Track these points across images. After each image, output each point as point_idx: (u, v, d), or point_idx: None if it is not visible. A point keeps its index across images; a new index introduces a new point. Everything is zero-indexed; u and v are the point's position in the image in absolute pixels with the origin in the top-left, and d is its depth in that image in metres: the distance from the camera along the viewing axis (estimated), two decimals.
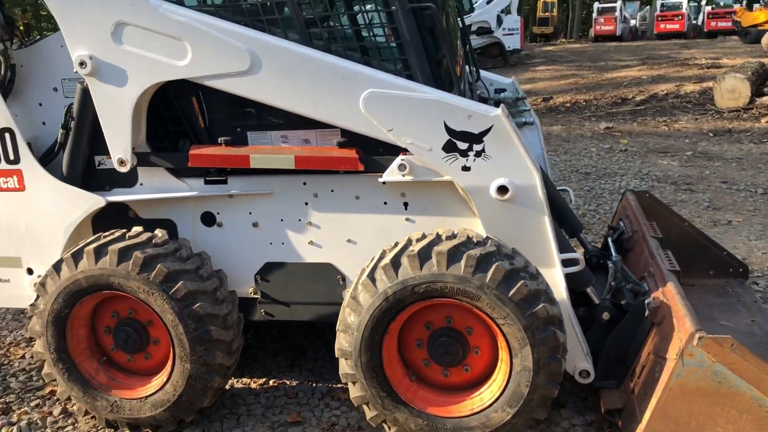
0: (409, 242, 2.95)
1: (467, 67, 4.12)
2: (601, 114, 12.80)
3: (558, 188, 4.17)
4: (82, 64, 3.16)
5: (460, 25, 4.04)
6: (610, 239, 4.07)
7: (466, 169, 3.00)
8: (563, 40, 36.82)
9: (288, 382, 3.69)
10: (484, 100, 4.18)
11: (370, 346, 2.90)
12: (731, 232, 5.82)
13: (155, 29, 3.10)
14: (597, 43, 32.37)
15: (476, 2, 22.17)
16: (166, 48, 3.11)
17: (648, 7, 44.29)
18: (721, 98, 11.95)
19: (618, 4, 35.43)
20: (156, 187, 3.44)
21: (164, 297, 3.03)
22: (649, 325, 3.14)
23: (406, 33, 3.06)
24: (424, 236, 2.97)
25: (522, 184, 2.97)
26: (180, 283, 3.04)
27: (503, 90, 4.35)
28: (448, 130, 2.97)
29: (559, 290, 3.09)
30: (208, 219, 3.47)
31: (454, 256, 2.78)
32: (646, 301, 3.18)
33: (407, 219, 3.27)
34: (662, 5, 35.50)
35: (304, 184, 3.31)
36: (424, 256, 2.82)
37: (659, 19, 35.27)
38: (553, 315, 2.79)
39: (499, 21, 20.99)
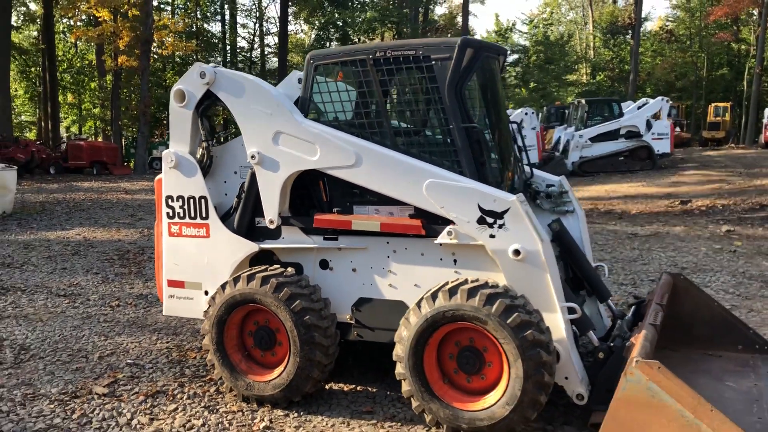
0: (446, 283, 4.29)
1: (523, 166, 5.42)
2: (732, 218, 13.19)
3: (595, 264, 5.33)
4: (252, 156, 4.91)
5: (516, 136, 5.38)
6: (633, 306, 5.11)
7: (492, 236, 4.32)
8: (731, 145, 36.00)
9: (369, 389, 5.05)
10: (536, 193, 5.46)
11: (414, 353, 4.24)
12: None
13: (299, 136, 4.78)
14: (765, 150, 31.50)
15: (627, 108, 23.08)
16: (304, 148, 4.77)
17: None
18: None
19: None
20: (292, 239, 5.05)
21: (287, 310, 4.57)
22: (625, 360, 4.19)
23: (458, 142, 4.51)
24: (457, 280, 4.30)
25: (530, 249, 4.23)
26: (297, 301, 4.58)
27: (552, 185, 5.58)
28: (480, 209, 4.32)
29: (560, 329, 4.26)
30: (324, 264, 5.02)
31: (472, 292, 4.09)
32: (627, 344, 4.25)
33: (456, 271, 4.60)
34: None
35: (387, 242, 4.77)
36: (453, 291, 4.15)
37: None
38: (540, 339, 3.98)
39: (649, 125, 21.71)
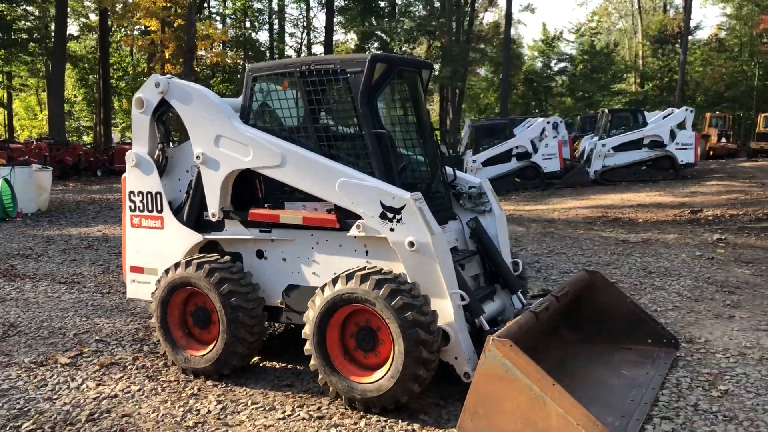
0: (347, 270, 4.84)
1: (445, 168, 5.93)
2: (732, 227, 13.29)
3: (512, 259, 5.80)
4: (198, 157, 5.55)
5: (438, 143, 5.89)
6: (536, 297, 5.56)
7: (392, 230, 4.85)
8: None
9: (298, 367, 5.61)
10: (459, 194, 5.95)
11: (318, 332, 4.80)
12: None
13: (235, 139, 5.40)
14: None
15: (651, 118, 23.10)
16: (240, 150, 5.39)
17: None
18: None
19: None
20: (233, 231, 5.67)
21: (216, 293, 5.18)
22: None
23: (369, 147, 5.06)
24: (356, 267, 4.84)
25: (422, 242, 4.74)
26: (225, 285, 5.19)
27: (473, 187, 6.04)
28: (382, 205, 4.86)
29: (449, 313, 4.75)
30: (260, 254, 5.62)
31: (365, 278, 4.63)
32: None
33: (367, 261, 5.14)
34: None
35: (312, 235, 5.34)
36: (350, 277, 4.69)
37: None
38: (420, 320, 4.48)
39: (672, 135, 21.70)
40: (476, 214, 5.88)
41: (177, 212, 5.90)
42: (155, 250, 5.96)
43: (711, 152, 34.21)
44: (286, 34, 53.71)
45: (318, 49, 54.09)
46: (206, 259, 5.41)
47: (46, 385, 5.24)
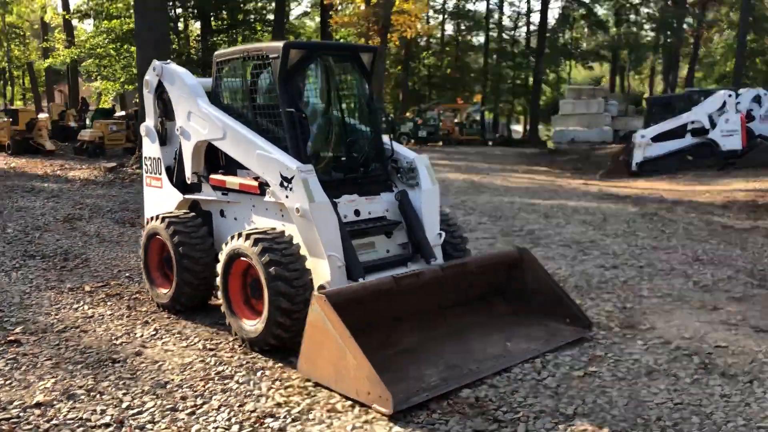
0: (244, 229, 5.66)
1: (390, 143, 6.41)
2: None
3: (438, 231, 6.21)
4: (178, 129, 6.68)
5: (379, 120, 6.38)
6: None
7: (287, 197, 5.58)
8: None
9: None
10: (397, 168, 6.39)
11: (223, 280, 5.72)
12: None
13: (199, 115, 6.43)
14: None
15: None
16: (201, 124, 6.41)
17: None
18: None
19: None
20: (205, 193, 6.74)
21: (173, 242, 6.29)
22: None
23: (285, 124, 5.80)
24: (253, 228, 5.64)
25: (305, 208, 5.41)
26: (177, 236, 6.28)
27: (408, 161, 6.40)
28: (281, 175, 5.60)
29: (326, 273, 5.40)
30: (221, 213, 6.63)
31: (248, 236, 5.44)
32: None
33: (283, 224, 5.91)
34: None
35: (250, 199, 6.23)
36: (240, 235, 5.53)
37: None
38: (282, 275, 5.20)
39: (712, 121, 19.62)
40: (407, 187, 6.32)
41: (170, 175, 7.11)
42: (158, 204, 7.23)
43: None
44: (506, 2, 53.82)
45: (535, 18, 53.50)
46: (170, 214, 6.55)
47: (57, 305, 6.77)
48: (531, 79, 48.24)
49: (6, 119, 24.81)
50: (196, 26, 36.77)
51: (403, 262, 6.08)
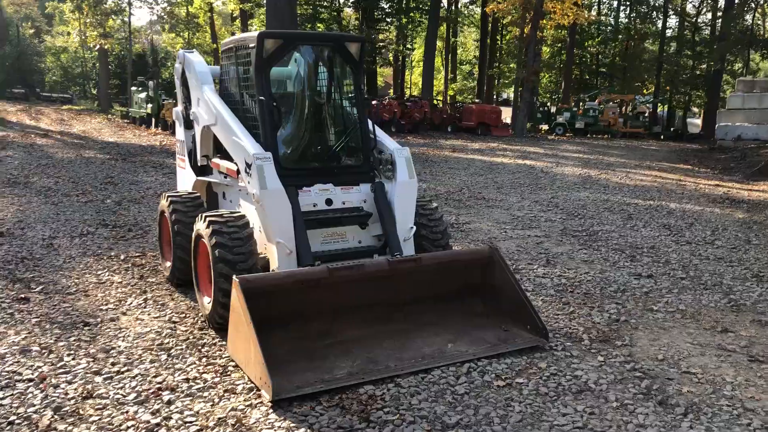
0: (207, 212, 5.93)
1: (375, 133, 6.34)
2: None
3: (411, 225, 6.13)
4: (192, 114, 7.11)
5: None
6: None
7: (249, 182, 5.77)
8: None
9: None
10: (379, 160, 6.29)
11: (194, 257, 6.05)
12: None
13: (204, 101, 6.80)
14: None
15: None
16: (205, 110, 6.78)
17: None
18: None
19: None
20: (214, 176, 7.11)
21: (171, 220, 6.73)
22: None
23: (258, 111, 5.99)
24: (215, 212, 5.89)
25: (257, 194, 5.58)
26: (174, 214, 6.70)
27: (391, 153, 6.24)
28: (245, 161, 5.80)
29: (275, 258, 5.55)
30: (224, 195, 6.97)
31: (205, 219, 5.71)
32: None
33: (258, 207, 6.11)
34: None
35: (238, 183, 6.49)
36: (201, 218, 5.81)
37: None
38: (225, 257, 5.42)
39: None
40: (385, 179, 6.25)
41: (190, 158, 7.57)
42: (183, 184, 7.74)
43: None
44: None
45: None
46: (174, 193, 6.99)
47: (86, 270, 7.48)
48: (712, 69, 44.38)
49: (171, 101, 27.26)
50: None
51: (370, 254, 6.06)
